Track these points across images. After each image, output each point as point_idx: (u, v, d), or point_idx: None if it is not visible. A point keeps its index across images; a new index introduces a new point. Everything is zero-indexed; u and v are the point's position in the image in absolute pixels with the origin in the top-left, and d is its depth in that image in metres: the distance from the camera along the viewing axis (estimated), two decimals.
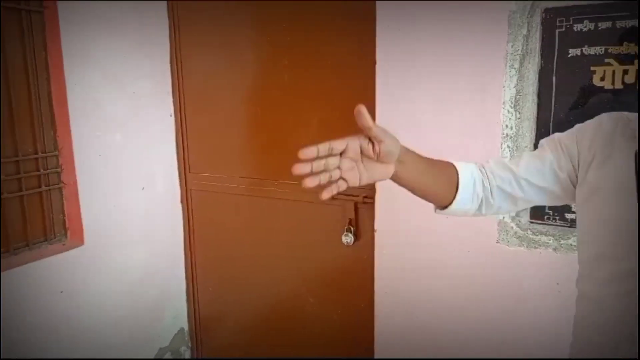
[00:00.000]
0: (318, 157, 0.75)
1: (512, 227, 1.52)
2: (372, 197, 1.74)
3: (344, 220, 1.86)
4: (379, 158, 0.79)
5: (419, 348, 1.72)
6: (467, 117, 1.52)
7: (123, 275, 2.01)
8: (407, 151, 0.85)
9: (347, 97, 1.78)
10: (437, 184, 0.92)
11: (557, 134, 0.93)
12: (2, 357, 1.52)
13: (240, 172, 2.08)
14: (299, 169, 0.74)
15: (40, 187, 1.77)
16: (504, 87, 1.46)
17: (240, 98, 2.03)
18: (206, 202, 2.21)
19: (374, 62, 1.64)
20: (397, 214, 1.68)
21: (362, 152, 0.79)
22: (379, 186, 1.69)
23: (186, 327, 2.34)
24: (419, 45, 1.56)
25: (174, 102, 2.16)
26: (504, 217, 1.52)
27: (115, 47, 1.91)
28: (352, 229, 1.83)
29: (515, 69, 1.44)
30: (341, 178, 0.78)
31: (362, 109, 0.73)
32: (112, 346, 2.00)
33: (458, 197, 0.92)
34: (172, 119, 2.18)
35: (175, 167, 2.21)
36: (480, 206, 0.95)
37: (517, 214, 1.50)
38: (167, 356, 2.24)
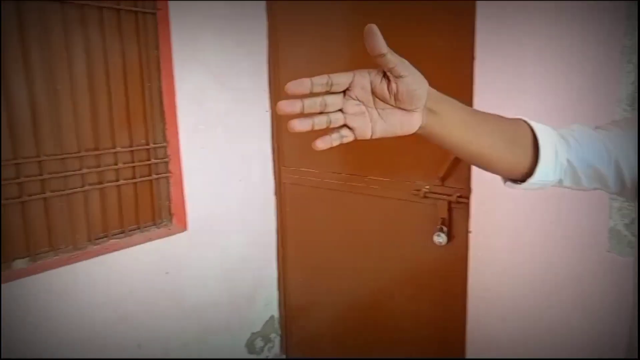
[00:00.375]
0: (313, 94, 0.57)
1: (625, 236, 1.39)
2: (467, 197, 1.68)
3: (436, 220, 1.81)
4: (397, 101, 0.59)
5: (511, 354, 1.64)
6: (579, 116, 1.40)
7: (221, 260, 2.14)
8: (443, 99, 0.64)
9: (443, 91, 1.72)
10: (501, 147, 0.68)
11: None
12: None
13: (332, 168, 2.11)
14: (284, 105, 0.56)
15: (150, 175, 1.93)
16: (620, 83, 1.33)
17: None
18: (298, 195, 2.27)
19: (472, 58, 1.57)
20: (494, 215, 1.60)
21: (374, 91, 0.59)
22: (474, 185, 1.63)
23: (276, 315, 2.43)
24: (521, 40, 1.47)
25: (270, 98, 2.25)
26: (615, 224, 1.39)
27: (218, 45, 2.02)
28: (444, 228, 1.78)
29: (633, 63, 1.30)
30: (346, 126, 0.60)
31: (373, 27, 0.54)
32: (211, 327, 2.13)
33: (540, 165, 0.68)
34: (268, 114, 2.26)
35: (270, 160, 2.30)
36: (560, 180, 0.72)
37: (632, 222, 1.36)
38: (258, 341, 2.35)
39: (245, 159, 2.19)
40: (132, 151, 1.86)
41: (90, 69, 1.71)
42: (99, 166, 1.75)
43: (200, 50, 1.95)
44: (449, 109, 0.64)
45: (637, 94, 1.32)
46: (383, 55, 0.55)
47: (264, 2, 2.16)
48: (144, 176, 1.91)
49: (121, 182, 1.83)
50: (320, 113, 0.58)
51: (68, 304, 1.66)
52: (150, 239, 1.88)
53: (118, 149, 1.80)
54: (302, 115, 0.57)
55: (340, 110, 0.59)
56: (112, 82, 1.76)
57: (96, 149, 1.75)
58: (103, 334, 1.77)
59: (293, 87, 0.56)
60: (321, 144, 0.59)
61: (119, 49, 1.78)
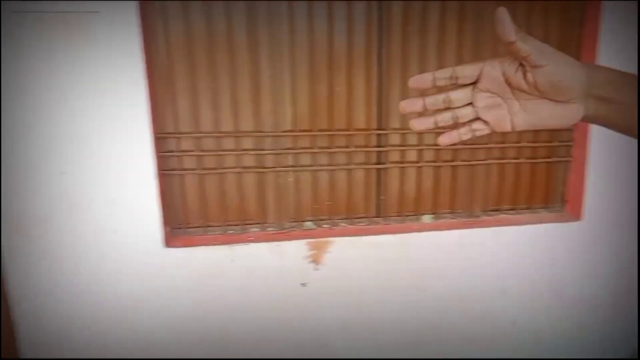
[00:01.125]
0: (436, 88, 0.55)
1: None
2: None
3: None
4: (536, 90, 0.51)
5: None
6: None
7: (613, 258, 1.94)
8: (615, 80, 0.52)
9: None
10: None
11: None
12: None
13: None
14: (405, 105, 0.55)
15: (550, 157, 1.89)
16: None
17: None
18: None
19: None
20: None
21: (509, 82, 0.53)
22: None
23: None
24: None
25: None
26: None
27: None
28: None
29: None
30: (479, 119, 0.56)
31: (500, 11, 0.48)
32: (587, 325, 1.99)
33: None
34: None
35: None
36: None
37: None
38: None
39: None
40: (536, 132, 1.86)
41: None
42: (504, 142, 1.84)
43: None
44: (627, 94, 0.51)
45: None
46: (512, 42, 0.48)
47: None
48: (544, 158, 1.89)
49: (521, 160, 1.87)
50: (447, 109, 0.55)
51: (454, 265, 1.84)
52: (540, 221, 1.87)
53: None
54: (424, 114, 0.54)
55: (471, 104, 0.55)
56: None
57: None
58: (481, 302, 1.89)
59: (413, 82, 0.53)
60: (445, 139, 0.56)
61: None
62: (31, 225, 1.50)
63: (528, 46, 0.49)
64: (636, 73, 0.53)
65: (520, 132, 1.83)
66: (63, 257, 1.54)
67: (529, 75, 0.51)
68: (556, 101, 0.53)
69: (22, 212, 1.49)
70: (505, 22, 0.48)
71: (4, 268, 1.51)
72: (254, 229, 1.71)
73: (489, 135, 0.58)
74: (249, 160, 1.67)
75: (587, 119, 0.55)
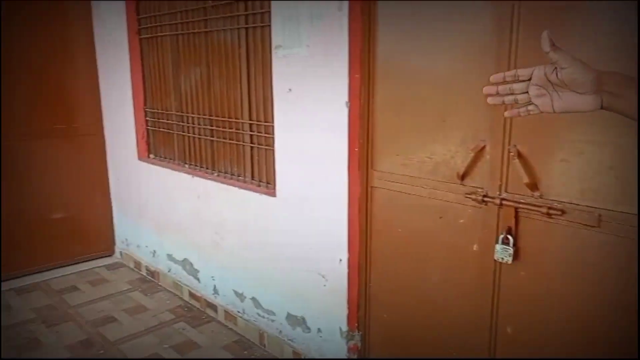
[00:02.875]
0: (505, 82, 0.87)
1: None
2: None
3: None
4: (565, 85, 0.83)
5: None
6: None
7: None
8: (628, 83, 0.82)
9: None
10: None
11: None
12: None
13: None
14: (487, 89, 0.89)
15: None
16: None
17: None
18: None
19: None
20: None
21: (549, 79, 0.84)
22: None
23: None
24: None
25: None
26: None
27: None
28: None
29: None
30: (531, 103, 0.87)
31: (544, 33, 0.81)
32: None
33: None
34: None
35: None
36: None
37: None
38: None
39: None
40: None
41: None
42: None
43: None
44: (632, 92, 0.80)
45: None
46: (547, 52, 0.81)
47: None
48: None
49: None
50: (511, 94, 0.87)
51: None
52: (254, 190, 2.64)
53: None
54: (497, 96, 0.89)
55: (527, 92, 0.87)
56: None
57: None
58: None
59: (493, 78, 0.87)
60: (508, 114, 0.90)
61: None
62: None
63: (557, 55, 0.81)
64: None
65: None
66: None
67: (559, 74, 0.81)
68: (579, 93, 0.82)
69: None
70: (544, 39, 0.80)
71: None
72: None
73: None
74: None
75: (605, 108, 0.83)
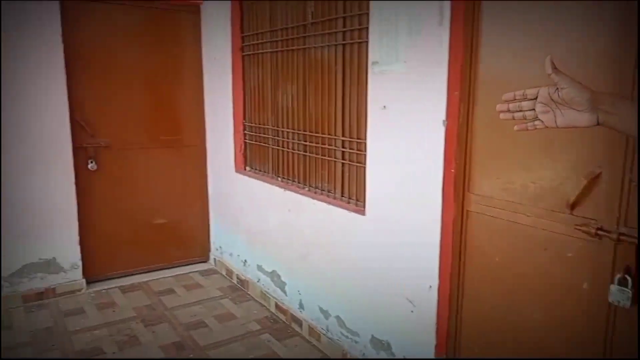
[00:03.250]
0: (515, 100, 1.01)
1: None
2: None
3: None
4: (565, 103, 0.94)
5: None
6: None
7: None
8: (621, 103, 0.93)
9: None
10: None
11: None
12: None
13: None
14: (499, 107, 1.03)
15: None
16: None
17: None
18: None
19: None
20: None
21: (552, 98, 0.96)
22: None
23: None
24: None
25: None
26: None
27: None
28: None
29: None
30: (537, 119, 0.99)
31: (547, 58, 0.94)
32: None
33: None
34: None
35: None
36: None
37: None
38: None
39: None
40: None
41: None
42: None
43: None
44: (625, 111, 0.91)
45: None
46: (549, 75, 0.93)
47: None
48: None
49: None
50: (520, 111, 1.01)
51: None
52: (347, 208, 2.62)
53: None
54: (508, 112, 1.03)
55: (533, 109, 0.99)
56: None
57: None
58: None
59: (505, 96, 1.03)
60: (518, 127, 1.03)
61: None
62: None
63: (557, 77, 0.94)
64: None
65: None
66: None
67: (560, 94, 0.94)
68: (578, 110, 0.93)
69: None
70: (547, 63, 0.93)
71: None
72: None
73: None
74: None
75: (601, 124, 0.94)
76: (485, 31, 1.86)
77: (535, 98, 0.98)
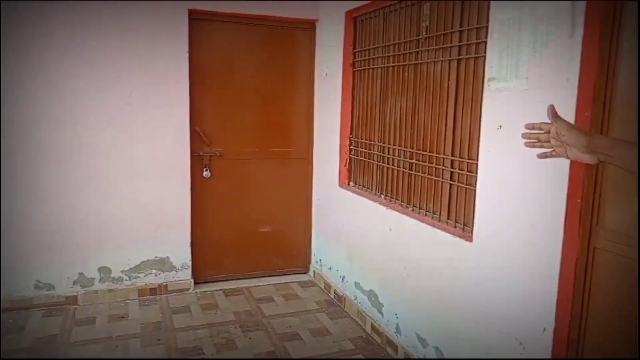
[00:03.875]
0: (534, 131, 1.17)
1: None
2: None
3: None
4: (568, 145, 1.09)
5: None
6: None
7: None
8: (617, 146, 1.05)
9: None
10: None
11: None
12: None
13: None
14: (523, 134, 1.19)
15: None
16: None
17: None
18: None
19: None
20: None
21: (559, 137, 1.10)
22: None
23: None
24: None
25: None
26: None
27: None
28: None
29: None
30: (554, 151, 1.15)
31: (549, 107, 1.10)
32: None
33: None
34: None
35: None
36: None
37: None
38: None
39: None
40: None
41: None
42: None
43: None
44: (624, 153, 1.02)
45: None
46: (551, 123, 1.11)
47: None
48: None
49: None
50: (538, 142, 1.17)
51: None
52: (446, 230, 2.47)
53: None
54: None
55: (548, 142, 1.15)
56: None
57: None
58: None
59: (527, 125, 1.18)
60: (539, 155, 1.19)
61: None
62: None
63: (557, 124, 1.10)
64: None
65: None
66: None
67: (563, 137, 1.10)
68: (580, 151, 1.08)
69: None
70: (549, 111, 1.09)
71: None
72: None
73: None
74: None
75: (602, 162, 1.07)
76: (626, 45, 1.63)
77: (549, 132, 1.12)
